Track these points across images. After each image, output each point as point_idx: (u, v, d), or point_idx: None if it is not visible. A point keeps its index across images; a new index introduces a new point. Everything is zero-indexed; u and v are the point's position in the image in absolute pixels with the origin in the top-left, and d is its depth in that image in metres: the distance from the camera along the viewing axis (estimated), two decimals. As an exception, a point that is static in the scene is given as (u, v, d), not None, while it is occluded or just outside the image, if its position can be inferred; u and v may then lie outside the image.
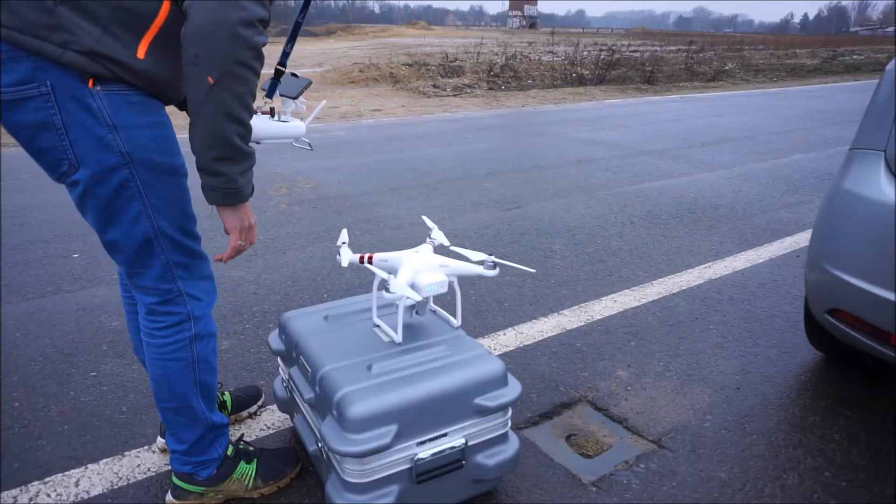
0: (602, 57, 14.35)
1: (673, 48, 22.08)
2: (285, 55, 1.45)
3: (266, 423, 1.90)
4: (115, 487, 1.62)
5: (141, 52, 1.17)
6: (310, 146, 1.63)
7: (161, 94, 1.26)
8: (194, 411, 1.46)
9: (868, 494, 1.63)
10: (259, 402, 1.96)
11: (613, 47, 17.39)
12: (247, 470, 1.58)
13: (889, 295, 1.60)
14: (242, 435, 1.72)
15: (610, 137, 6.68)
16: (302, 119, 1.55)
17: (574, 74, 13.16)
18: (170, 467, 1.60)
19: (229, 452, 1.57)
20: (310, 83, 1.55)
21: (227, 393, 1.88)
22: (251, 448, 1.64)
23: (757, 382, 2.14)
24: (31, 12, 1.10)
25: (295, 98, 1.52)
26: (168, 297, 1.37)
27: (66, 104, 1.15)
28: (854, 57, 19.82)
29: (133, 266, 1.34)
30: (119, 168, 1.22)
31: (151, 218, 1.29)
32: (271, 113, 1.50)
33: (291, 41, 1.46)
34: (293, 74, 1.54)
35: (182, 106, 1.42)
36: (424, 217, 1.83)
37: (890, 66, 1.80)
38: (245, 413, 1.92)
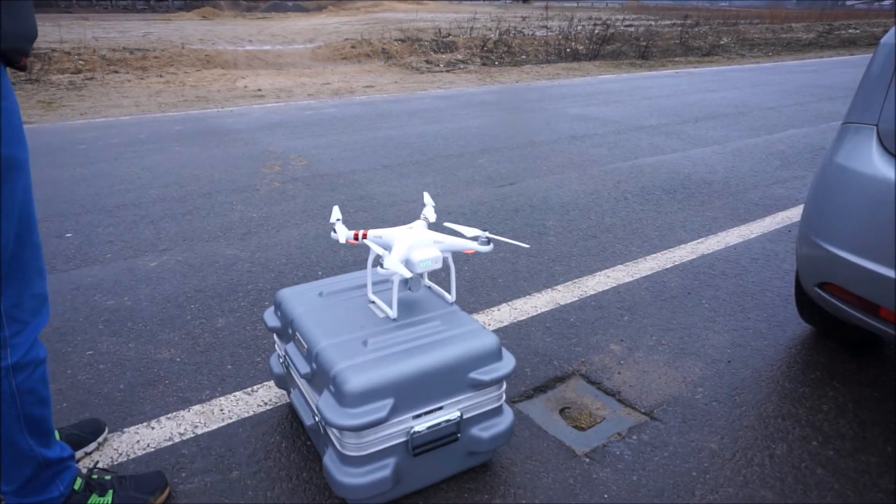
0: (596, 31, 14.21)
1: (668, 22, 21.86)
2: None
3: (263, 398, 1.92)
4: (115, 463, 1.64)
5: None
6: None
7: (21, 52, 1.10)
8: (19, 449, 1.27)
9: (854, 462, 1.67)
10: (100, 438, 1.71)
11: (608, 22, 17.22)
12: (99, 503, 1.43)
13: (878, 268, 1.62)
14: (97, 463, 1.58)
15: (604, 113, 6.66)
16: None
17: (568, 49, 13.03)
18: (171, 443, 1.62)
19: (76, 487, 1.39)
20: None
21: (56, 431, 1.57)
22: (107, 477, 1.48)
23: (748, 355, 2.17)
24: None
25: None
26: None
27: None
28: (850, 31, 19.67)
29: None
30: None
31: None
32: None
33: None
34: None
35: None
36: (426, 194, 1.82)
37: (884, 39, 1.79)
38: (81, 452, 1.67)
